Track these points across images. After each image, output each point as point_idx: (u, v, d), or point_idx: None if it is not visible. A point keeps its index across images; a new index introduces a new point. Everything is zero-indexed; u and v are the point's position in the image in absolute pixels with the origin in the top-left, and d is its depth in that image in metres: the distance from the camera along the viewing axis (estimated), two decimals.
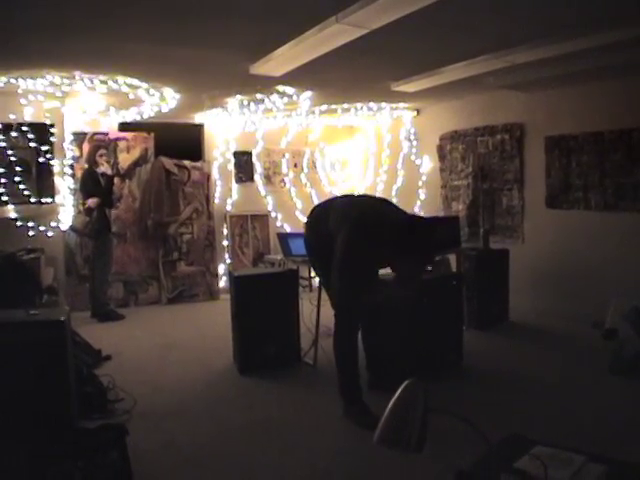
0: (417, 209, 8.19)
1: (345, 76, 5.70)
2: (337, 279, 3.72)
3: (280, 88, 6.13)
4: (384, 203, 4.08)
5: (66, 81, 5.41)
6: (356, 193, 8.20)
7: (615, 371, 4.42)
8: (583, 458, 1.76)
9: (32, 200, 6.71)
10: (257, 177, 8.72)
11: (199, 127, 8.35)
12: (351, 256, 3.61)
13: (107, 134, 7.47)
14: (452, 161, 7.66)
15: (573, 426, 3.53)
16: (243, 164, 8.61)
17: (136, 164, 7.66)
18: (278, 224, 8.75)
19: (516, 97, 6.63)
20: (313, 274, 6.91)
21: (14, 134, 6.52)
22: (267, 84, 5.79)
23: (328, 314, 4.22)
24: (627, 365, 4.39)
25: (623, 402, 3.96)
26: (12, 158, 6.55)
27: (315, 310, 4.97)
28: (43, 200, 6.83)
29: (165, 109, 6.76)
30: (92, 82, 5.46)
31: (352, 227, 3.63)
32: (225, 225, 8.44)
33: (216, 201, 8.32)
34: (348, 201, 4.12)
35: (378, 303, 3.97)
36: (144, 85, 5.74)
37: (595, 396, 4.08)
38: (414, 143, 8.38)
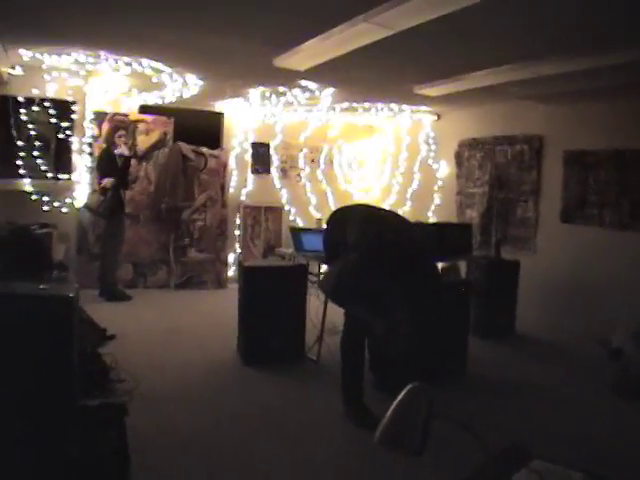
0: (431, 214, 8.18)
1: (369, 76, 5.69)
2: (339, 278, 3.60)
3: (303, 82, 6.13)
4: (401, 221, 3.95)
5: (91, 60, 5.43)
6: (376, 205, 7.74)
7: (620, 392, 4.38)
8: (581, 476, 1.75)
9: (49, 175, 6.77)
10: (273, 170, 8.73)
11: (219, 115, 8.36)
12: (357, 277, 3.50)
13: (127, 115, 7.49)
14: (469, 168, 7.63)
15: (573, 443, 3.51)
16: (260, 155, 8.62)
17: (154, 147, 7.68)
18: (291, 218, 8.77)
19: (537, 108, 6.60)
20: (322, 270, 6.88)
21: (36, 108, 6.56)
22: (290, 78, 5.79)
23: (335, 311, 4.23)
24: (632, 386, 4.36)
25: (625, 422, 3.94)
26: (32, 132, 6.60)
27: (322, 307, 4.97)
28: (60, 176, 6.90)
29: (187, 95, 6.77)
30: (116, 62, 5.49)
31: (366, 250, 3.50)
32: (238, 215, 8.45)
33: (231, 190, 8.33)
34: (367, 217, 3.91)
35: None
36: (168, 70, 5.75)
37: (596, 414, 4.07)
38: (432, 147, 8.37)
